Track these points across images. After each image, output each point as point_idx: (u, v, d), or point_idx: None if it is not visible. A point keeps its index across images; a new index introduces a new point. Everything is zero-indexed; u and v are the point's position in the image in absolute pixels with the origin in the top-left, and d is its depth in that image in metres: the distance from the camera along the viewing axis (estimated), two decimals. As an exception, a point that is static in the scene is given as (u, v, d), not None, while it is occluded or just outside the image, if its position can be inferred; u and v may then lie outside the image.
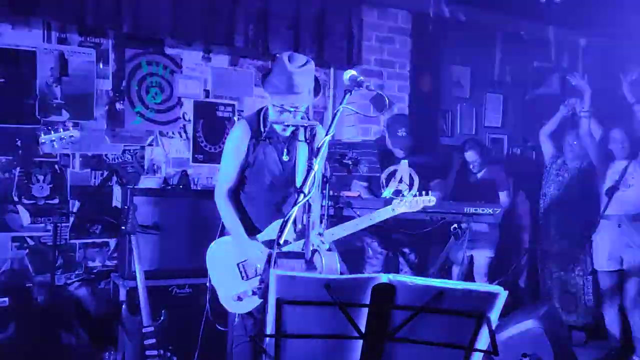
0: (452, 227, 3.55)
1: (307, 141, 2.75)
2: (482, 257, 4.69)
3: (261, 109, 2.82)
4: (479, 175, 4.75)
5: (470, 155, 4.67)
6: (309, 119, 2.66)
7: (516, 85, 5.44)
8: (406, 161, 4.03)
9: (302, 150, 2.75)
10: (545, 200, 4.81)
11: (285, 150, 2.74)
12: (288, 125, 2.64)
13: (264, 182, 2.75)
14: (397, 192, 4.03)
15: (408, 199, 2.91)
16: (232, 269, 2.72)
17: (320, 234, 2.57)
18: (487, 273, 4.73)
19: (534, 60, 5.63)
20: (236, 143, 2.74)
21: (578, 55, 5.89)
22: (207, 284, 2.81)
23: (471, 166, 4.70)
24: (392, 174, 4.04)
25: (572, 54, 5.86)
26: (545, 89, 5.17)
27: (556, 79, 5.14)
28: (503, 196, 4.71)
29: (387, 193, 4.01)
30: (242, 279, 2.71)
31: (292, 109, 2.56)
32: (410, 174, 4.05)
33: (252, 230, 2.70)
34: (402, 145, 3.95)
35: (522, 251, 5.74)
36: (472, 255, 4.70)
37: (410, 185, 4.06)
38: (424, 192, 2.97)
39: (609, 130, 4.37)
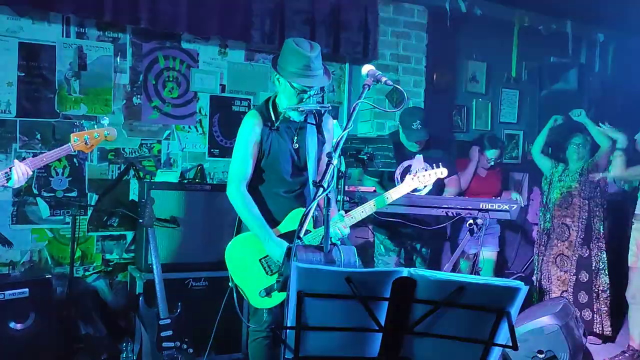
0: (467, 223, 3.54)
1: (316, 124, 2.71)
2: (490, 253, 4.69)
3: (268, 99, 2.79)
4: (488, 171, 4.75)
5: (492, 153, 4.65)
6: (323, 101, 2.62)
7: (532, 80, 5.40)
8: (421, 156, 4.01)
9: (310, 134, 2.71)
10: (548, 207, 4.84)
11: (295, 137, 2.71)
12: (303, 111, 2.60)
13: (280, 171, 2.70)
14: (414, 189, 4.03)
15: (420, 174, 2.92)
16: (256, 265, 2.68)
17: (340, 221, 2.58)
18: (494, 269, 4.75)
19: (551, 55, 5.58)
20: (249, 134, 2.67)
21: (596, 50, 5.84)
22: (230, 284, 2.72)
23: (491, 162, 4.68)
24: (407, 169, 4.02)
25: (590, 49, 5.81)
26: (562, 84, 5.12)
27: (573, 74, 5.09)
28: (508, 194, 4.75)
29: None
30: (267, 274, 2.67)
31: (312, 94, 2.55)
32: (425, 169, 4.03)
33: (271, 222, 2.67)
34: (416, 138, 3.92)
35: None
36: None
37: None
38: (434, 165, 2.96)
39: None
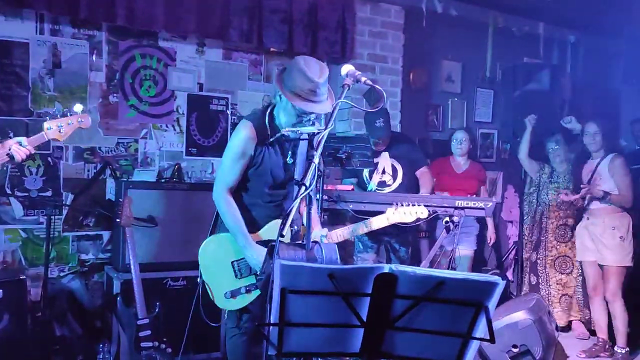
0: (444, 221, 3.59)
1: (309, 140, 2.69)
2: (467, 251, 4.75)
3: (266, 109, 2.73)
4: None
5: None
6: (327, 124, 2.57)
7: (506, 81, 5.50)
8: (387, 153, 4.07)
9: (302, 148, 2.72)
10: (540, 207, 4.86)
11: (289, 152, 2.70)
12: (300, 132, 2.56)
13: (267, 182, 2.69)
14: (382, 184, 4.08)
15: (401, 209, 3.00)
16: (227, 266, 2.69)
17: (324, 236, 2.60)
18: (472, 266, 4.81)
19: (525, 56, 5.70)
20: (241, 147, 2.64)
21: (567, 51, 5.97)
22: (198, 280, 2.76)
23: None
24: (375, 167, 4.07)
25: (561, 51, 5.95)
26: (535, 84, 5.23)
27: (546, 75, 5.21)
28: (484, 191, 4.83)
29: (372, 186, 4.04)
30: (236, 276, 2.69)
31: (312, 118, 2.51)
32: (392, 164, 4.09)
33: (252, 228, 2.67)
34: (378, 135, 3.96)
35: (510, 244, 5.83)
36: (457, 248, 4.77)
37: (394, 176, 4.10)
38: (416, 204, 3.07)
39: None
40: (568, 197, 4.32)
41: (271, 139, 2.63)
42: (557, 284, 4.75)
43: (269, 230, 2.69)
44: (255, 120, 2.68)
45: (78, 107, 2.83)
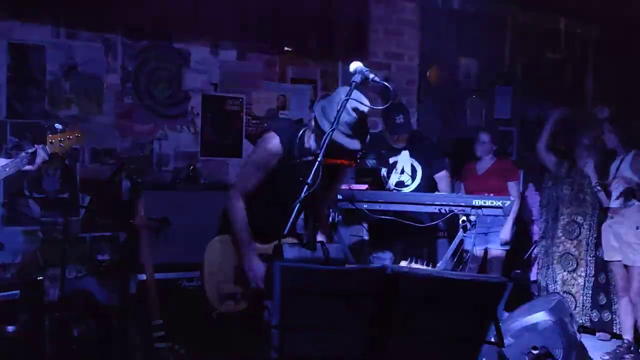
0: (460, 220, 3.53)
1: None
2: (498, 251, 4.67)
3: (298, 129, 2.66)
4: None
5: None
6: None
7: (526, 77, 5.40)
8: (407, 151, 4.01)
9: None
10: (558, 202, 4.75)
11: (311, 174, 2.64)
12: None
13: (283, 196, 2.56)
14: (400, 184, 4.02)
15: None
16: (229, 269, 2.68)
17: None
18: (503, 267, 4.73)
19: (545, 51, 5.58)
20: (265, 159, 2.62)
21: (588, 47, 5.83)
22: (199, 274, 2.76)
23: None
24: (393, 166, 4.01)
25: (583, 46, 5.81)
26: (555, 80, 5.13)
27: (568, 70, 5.10)
28: (512, 187, 4.70)
29: (390, 186, 3.99)
30: (234, 282, 2.67)
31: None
32: (412, 164, 4.03)
33: (258, 236, 2.65)
34: (399, 132, 3.90)
35: (531, 244, 5.72)
36: (486, 248, 4.69)
37: (413, 176, 4.03)
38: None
39: None
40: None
41: (297, 160, 2.58)
42: (560, 280, 4.67)
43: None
44: (286, 137, 2.62)
45: (59, 126, 2.96)
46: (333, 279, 1.42)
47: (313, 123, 2.51)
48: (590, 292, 4.58)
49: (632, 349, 4.16)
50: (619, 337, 4.46)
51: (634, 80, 5.16)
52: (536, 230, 5.71)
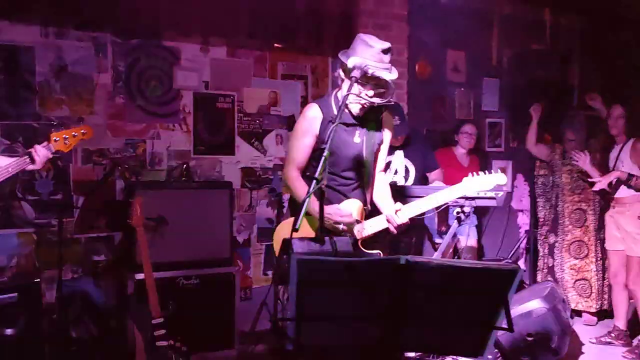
0: (454, 212, 3.57)
1: (376, 121, 2.77)
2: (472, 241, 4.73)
3: (330, 93, 2.84)
4: None
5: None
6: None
7: (513, 68, 5.46)
8: (401, 151, 4.04)
9: (370, 130, 2.76)
10: (555, 189, 4.80)
11: (357, 132, 2.75)
12: (365, 106, 2.61)
13: (338, 164, 2.73)
14: (393, 185, 4.04)
15: (478, 178, 2.87)
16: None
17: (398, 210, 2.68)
18: (476, 258, 4.80)
19: (531, 43, 5.65)
20: (305, 125, 2.75)
21: (574, 38, 5.91)
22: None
23: None
24: (387, 166, 4.04)
25: (568, 38, 5.88)
26: (542, 72, 5.19)
27: (554, 62, 5.17)
28: None
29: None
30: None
31: (381, 89, 2.57)
32: (405, 165, 4.06)
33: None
34: (396, 133, 3.93)
35: (522, 234, 5.81)
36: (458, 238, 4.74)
37: (406, 177, 4.07)
38: (493, 171, 2.93)
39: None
40: (601, 185, 4.21)
41: (337, 120, 2.63)
42: (571, 269, 4.70)
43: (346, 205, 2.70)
44: (320, 102, 2.79)
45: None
46: (348, 270, 1.44)
47: (343, 73, 2.66)
48: (602, 276, 4.62)
49: (623, 336, 4.23)
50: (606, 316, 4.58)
51: (619, 70, 5.26)
52: (525, 220, 5.80)
